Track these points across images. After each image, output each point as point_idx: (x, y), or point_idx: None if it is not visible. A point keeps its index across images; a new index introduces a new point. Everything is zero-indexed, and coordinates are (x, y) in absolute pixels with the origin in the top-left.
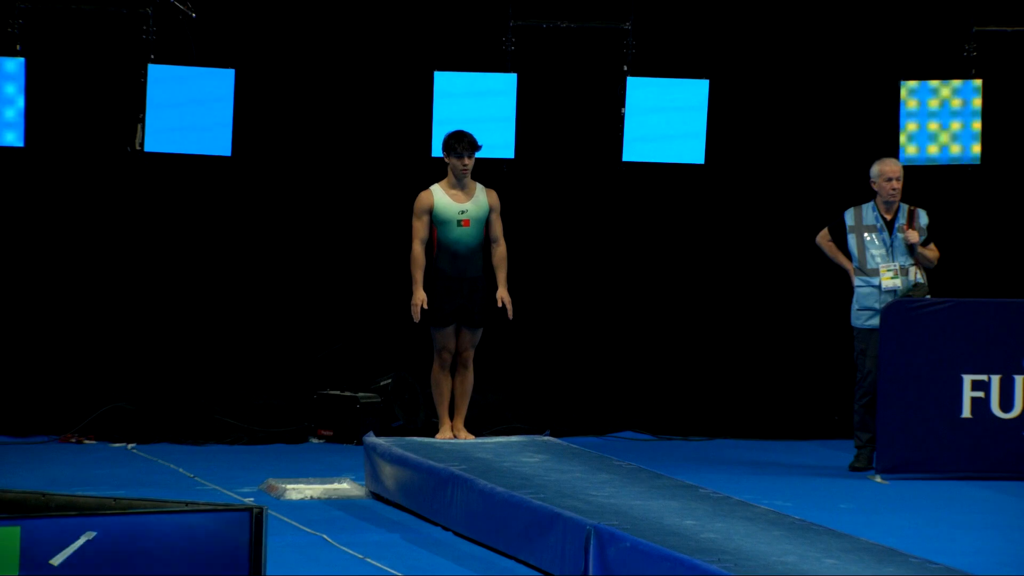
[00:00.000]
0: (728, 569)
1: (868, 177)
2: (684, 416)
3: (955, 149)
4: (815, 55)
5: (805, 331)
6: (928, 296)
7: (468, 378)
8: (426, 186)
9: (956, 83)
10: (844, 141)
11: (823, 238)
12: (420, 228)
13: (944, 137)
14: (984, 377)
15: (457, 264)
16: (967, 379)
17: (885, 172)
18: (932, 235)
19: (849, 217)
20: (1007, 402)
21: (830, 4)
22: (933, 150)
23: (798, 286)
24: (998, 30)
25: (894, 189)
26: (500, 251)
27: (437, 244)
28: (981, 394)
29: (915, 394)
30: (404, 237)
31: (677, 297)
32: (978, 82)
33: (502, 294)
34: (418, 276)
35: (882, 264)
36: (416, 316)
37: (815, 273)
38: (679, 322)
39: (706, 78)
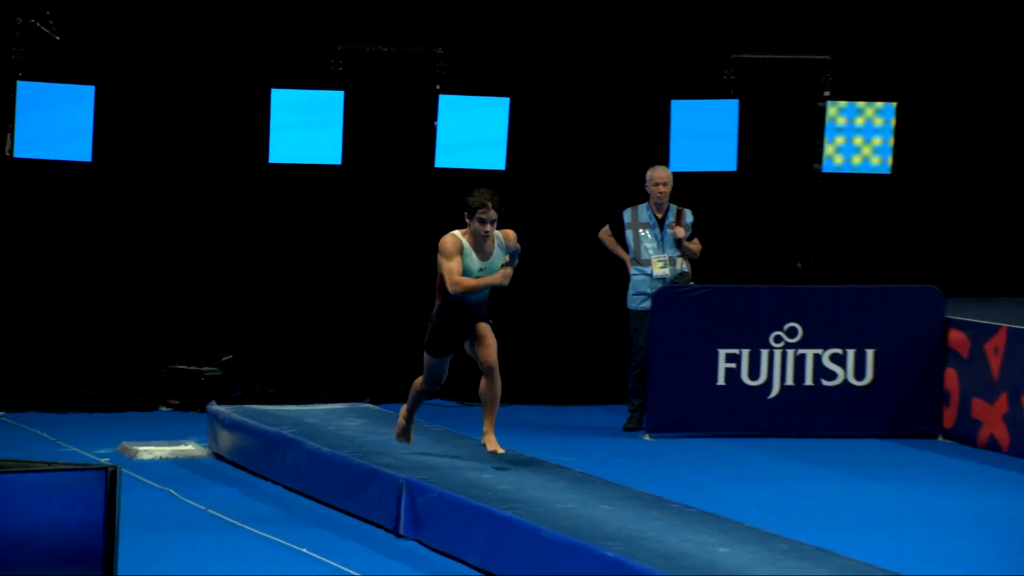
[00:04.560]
0: (520, 515)
1: (643, 181)
2: (523, 379)
3: (717, 161)
4: (599, 76)
5: (589, 312)
6: (691, 283)
7: (495, 386)
8: (264, 197)
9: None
10: (621, 150)
11: (605, 233)
12: (456, 266)
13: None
14: (736, 351)
15: (467, 311)
16: (722, 353)
17: (655, 178)
18: (696, 232)
19: (627, 215)
20: (755, 372)
21: (612, 33)
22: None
23: (584, 274)
24: (752, 57)
25: (661, 192)
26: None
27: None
28: (733, 365)
29: (679, 365)
30: (239, 227)
31: None
32: (732, 101)
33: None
34: (478, 283)
35: (654, 255)
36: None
37: (597, 263)
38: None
39: (507, 96)
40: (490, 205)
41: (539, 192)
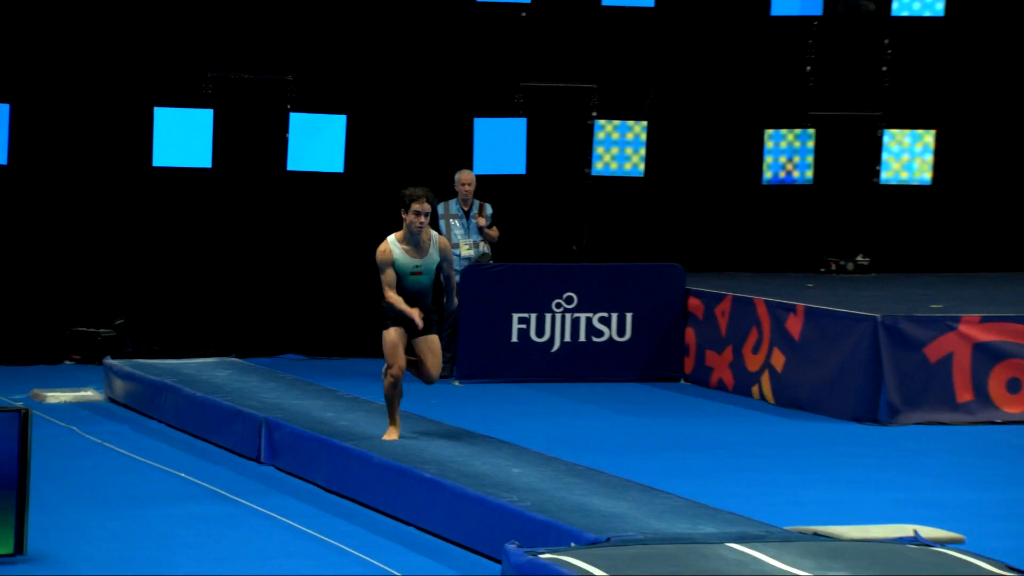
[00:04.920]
0: (355, 445)
1: (453, 182)
2: (329, 342)
3: (510, 166)
4: (417, 98)
5: None
6: (491, 261)
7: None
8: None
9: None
10: (435, 156)
11: None
12: (390, 277)
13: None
14: (526, 315)
15: (410, 302)
16: (515, 316)
17: (461, 179)
18: (495, 222)
19: (440, 208)
20: (541, 331)
21: (427, 65)
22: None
23: None
24: (537, 85)
25: (467, 190)
26: (453, 282)
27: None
28: (524, 326)
29: (482, 326)
30: (130, 218)
31: (324, 260)
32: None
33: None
34: (402, 305)
35: (462, 240)
36: (416, 319)
37: None
38: (322, 277)
39: (344, 113)
40: (424, 200)
41: (370, 189)
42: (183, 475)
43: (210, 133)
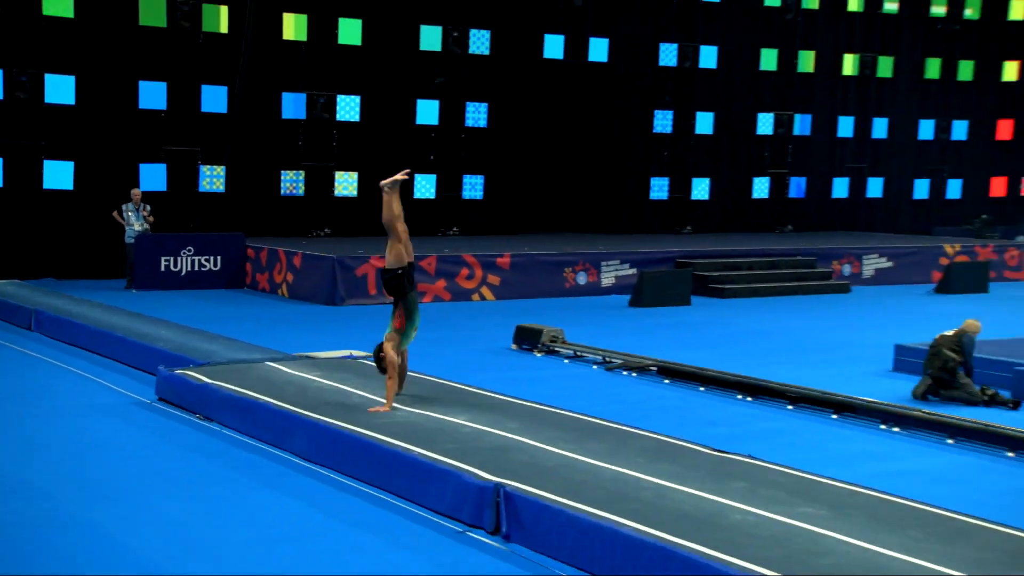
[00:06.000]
0: (87, 322)
1: (129, 194)
2: (71, 270)
3: (156, 185)
4: (112, 152)
5: (111, 241)
6: (150, 232)
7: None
8: None
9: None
10: (123, 183)
11: (115, 213)
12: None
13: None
14: (169, 257)
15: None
16: (163, 258)
17: (133, 193)
18: (153, 212)
19: (124, 207)
20: (176, 265)
21: (142, 125)
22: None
23: (110, 231)
24: (172, 148)
25: (137, 198)
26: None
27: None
28: (168, 263)
29: (147, 262)
30: None
31: (66, 229)
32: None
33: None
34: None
35: (135, 222)
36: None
37: (114, 227)
38: (66, 236)
39: (72, 160)
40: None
41: (89, 198)
42: None
43: (1, 170)
